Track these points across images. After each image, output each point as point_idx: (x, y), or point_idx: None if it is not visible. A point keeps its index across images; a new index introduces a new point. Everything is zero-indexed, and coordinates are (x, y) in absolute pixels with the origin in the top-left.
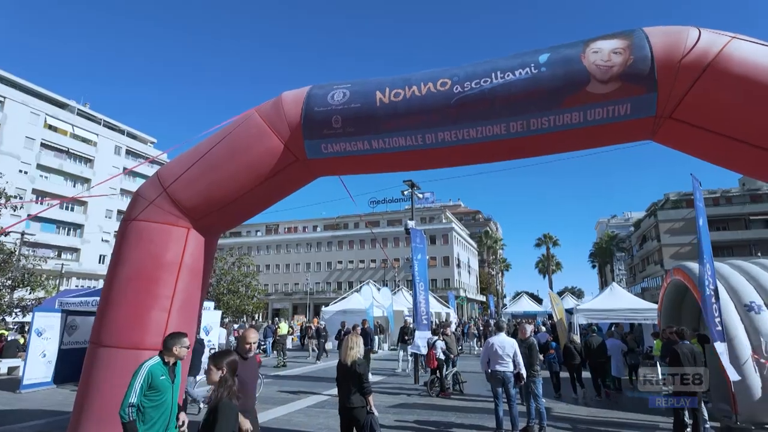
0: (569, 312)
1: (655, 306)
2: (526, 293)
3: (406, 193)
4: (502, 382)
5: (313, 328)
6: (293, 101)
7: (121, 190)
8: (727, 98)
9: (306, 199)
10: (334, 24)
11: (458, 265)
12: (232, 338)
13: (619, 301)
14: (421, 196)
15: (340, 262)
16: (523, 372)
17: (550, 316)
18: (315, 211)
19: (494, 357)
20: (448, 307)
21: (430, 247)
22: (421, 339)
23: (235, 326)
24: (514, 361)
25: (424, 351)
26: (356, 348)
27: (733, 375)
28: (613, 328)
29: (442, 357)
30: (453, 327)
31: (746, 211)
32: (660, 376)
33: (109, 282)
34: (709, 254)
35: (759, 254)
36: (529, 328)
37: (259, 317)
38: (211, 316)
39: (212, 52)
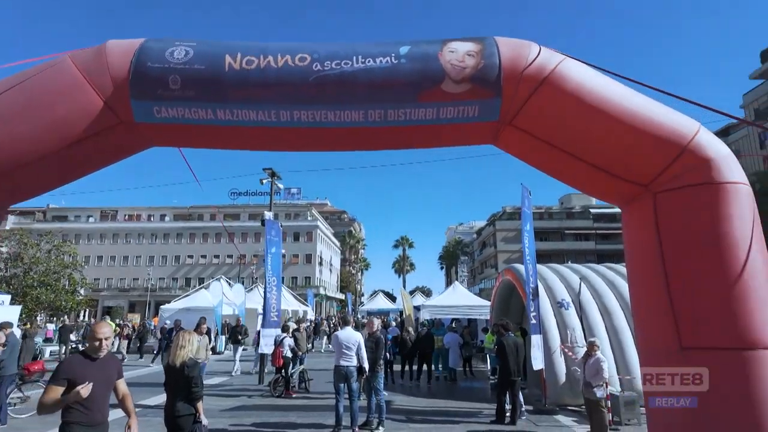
0: (417, 308)
1: (489, 303)
2: (383, 292)
3: (265, 181)
4: (345, 377)
5: (130, 326)
6: (121, 52)
7: None
8: (558, 111)
9: (153, 183)
10: None
11: (320, 263)
12: (39, 339)
13: (459, 298)
14: (281, 186)
15: (191, 257)
16: (366, 366)
17: (401, 313)
18: (163, 198)
19: (339, 351)
20: (307, 305)
21: (294, 244)
22: (269, 337)
23: (50, 326)
24: (357, 355)
25: (270, 349)
26: (188, 347)
27: (538, 364)
28: (453, 324)
29: (289, 355)
30: (306, 324)
31: (563, 226)
32: (488, 367)
33: None
34: (533, 256)
35: (569, 261)
36: (377, 323)
37: (85, 315)
38: (5, 312)
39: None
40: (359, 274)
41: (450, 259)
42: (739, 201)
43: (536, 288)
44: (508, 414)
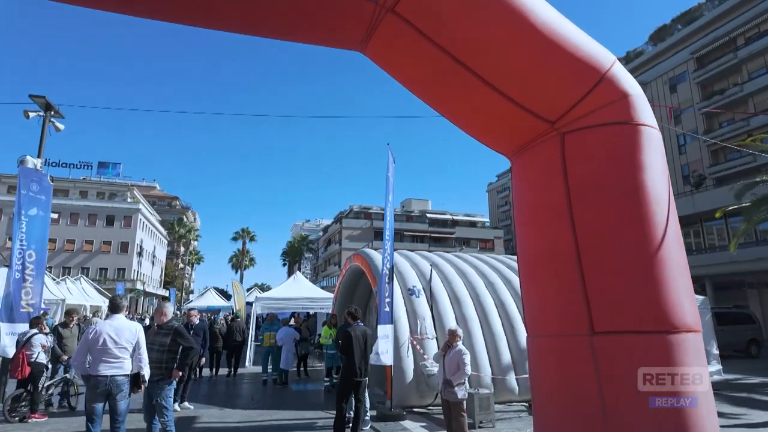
0: (250, 304)
1: (332, 295)
2: (215, 288)
3: (32, 115)
4: (107, 394)
5: None
6: None
7: None
8: (458, 1)
9: None
10: None
11: (140, 254)
12: None
13: (301, 290)
14: (60, 126)
15: None
16: (146, 372)
17: (232, 310)
18: None
19: (99, 353)
20: None
21: (106, 229)
22: (11, 335)
23: None
24: (134, 358)
25: (10, 352)
26: None
27: (387, 359)
28: (291, 318)
29: (43, 360)
30: (80, 316)
31: (403, 228)
32: (324, 366)
33: None
34: (392, 231)
35: None
36: (170, 309)
37: None
38: None
39: None
40: (190, 268)
41: (294, 255)
42: (656, 149)
43: (392, 269)
44: (349, 424)
